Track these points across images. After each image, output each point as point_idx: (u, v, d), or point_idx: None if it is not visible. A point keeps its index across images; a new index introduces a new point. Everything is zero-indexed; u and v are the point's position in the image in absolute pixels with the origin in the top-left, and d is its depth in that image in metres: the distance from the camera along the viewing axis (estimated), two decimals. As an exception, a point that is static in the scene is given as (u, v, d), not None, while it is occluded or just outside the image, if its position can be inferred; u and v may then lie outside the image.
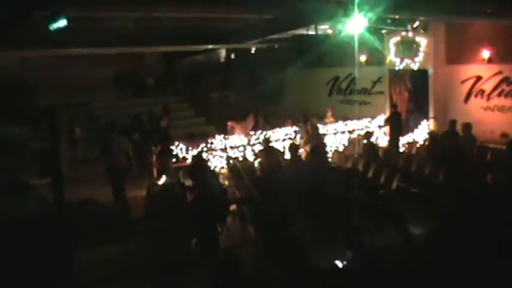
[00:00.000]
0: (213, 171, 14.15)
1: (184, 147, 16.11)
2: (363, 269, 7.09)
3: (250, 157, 16.77)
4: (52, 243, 10.93)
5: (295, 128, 18.33)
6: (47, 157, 14.29)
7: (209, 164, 15.65)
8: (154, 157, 15.90)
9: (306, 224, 10.79)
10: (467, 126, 16.01)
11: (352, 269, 7.23)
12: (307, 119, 17.43)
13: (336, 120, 19.60)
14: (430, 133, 18.45)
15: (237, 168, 14.74)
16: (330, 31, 19.96)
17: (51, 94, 20.43)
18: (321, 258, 8.01)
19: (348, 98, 23.73)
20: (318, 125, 17.81)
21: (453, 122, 16.59)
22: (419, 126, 19.88)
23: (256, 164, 16.25)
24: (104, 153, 14.62)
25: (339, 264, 7.37)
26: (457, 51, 20.07)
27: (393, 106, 19.38)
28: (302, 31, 23.67)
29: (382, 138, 19.62)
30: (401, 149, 18.59)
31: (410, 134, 19.76)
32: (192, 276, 9.75)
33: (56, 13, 12.21)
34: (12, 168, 15.62)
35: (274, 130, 17.99)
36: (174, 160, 15.90)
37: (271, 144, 16.13)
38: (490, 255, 7.73)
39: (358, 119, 19.84)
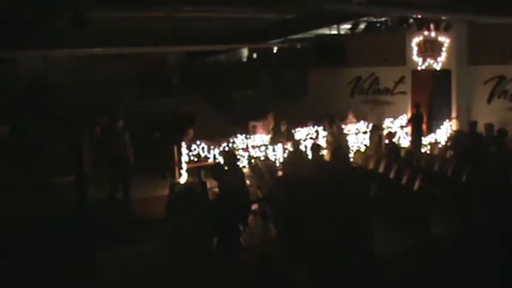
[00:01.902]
0: (241, 169, 14.13)
1: (205, 147, 16.15)
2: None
3: (272, 156, 16.79)
4: (74, 242, 11.03)
5: (316, 128, 18.31)
6: (69, 156, 14.45)
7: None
8: (176, 156, 15.96)
9: (326, 223, 10.79)
10: (490, 127, 15.93)
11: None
12: (332, 120, 17.37)
13: (358, 121, 19.53)
14: (452, 134, 18.38)
15: (259, 167, 14.76)
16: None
17: (75, 94, 20.58)
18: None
19: (370, 98, 23.65)
20: (342, 126, 17.82)
21: (474, 123, 16.54)
22: (441, 127, 19.80)
23: (277, 163, 16.28)
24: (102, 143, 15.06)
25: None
26: (479, 51, 19.94)
27: (416, 106, 19.29)
28: (324, 31, 23.72)
29: (404, 139, 19.55)
30: (424, 150, 18.51)
31: (432, 134, 19.69)
32: (213, 276, 9.77)
33: (79, 14, 12.30)
34: (36, 168, 15.79)
35: (296, 130, 18.00)
36: (195, 159, 15.96)
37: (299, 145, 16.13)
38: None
39: (380, 119, 19.82)
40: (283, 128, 17.66)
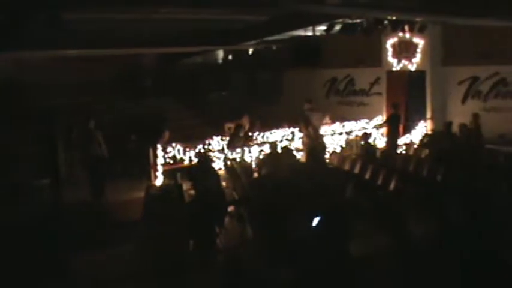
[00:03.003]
0: (216, 171, 14.09)
1: (181, 149, 16.09)
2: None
3: (248, 158, 16.76)
4: (48, 244, 10.93)
5: (292, 129, 18.32)
6: (44, 158, 14.35)
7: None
8: (152, 158, 15.89)
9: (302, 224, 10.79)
10: (464, 127, 16.06)
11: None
12: (308, 122, 17.37)
13: (333, 123, 19.55)
14: (426, 134, 18.49)
15: (234, 169, 14.73)
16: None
17: (49, 96, 20.39)
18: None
19: (346, 100, 23.72)
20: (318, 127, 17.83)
21: (449, 124, 16.67)
22: (416, 127, 19.91)
23: (253, 165, 16.26)
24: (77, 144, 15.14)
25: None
26: (453, 52, 20.10)
27: (393, 107, 19.38)
28: (299, 32, 23.75)
29: (379, 139, 19.63)
30: (399, 150, 18.59)
31: (407, 135, 19.80)
32: (190, 278, 9.73)
33: (54, 15, 12.19)
34: (10, 170, 15.64)
35: (271, 131, 18.00)
36: (171, 162, 15.90)
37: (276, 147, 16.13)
38: (489, 255, 7.73)
39: (355, 120, 19.87)
40: (251, 129, 17.74)
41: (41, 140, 15.26)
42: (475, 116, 16.75)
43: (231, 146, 16.82)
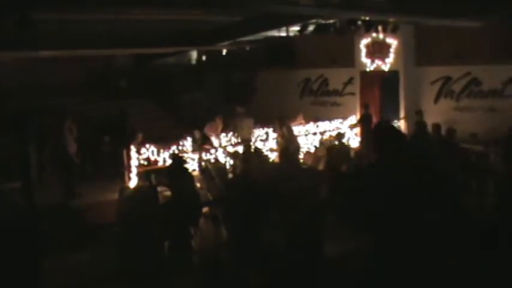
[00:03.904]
0: (190, 172, 14.04)
1: (155, 150, 16.01)
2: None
3: (222, 159, 16.72)
4: (20, 249, 10.80)
5: (266, 129, 18.31)
6: (15, 161, 14.17)
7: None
8: (125, 159, 15.80)
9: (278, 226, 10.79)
10: (437, 127, 16.16)
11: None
12: (283, 122, 17.34)
13: (307, 123, 19.56)
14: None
15: (209, 170, 14.70)
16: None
17: (21, 98, 20.22)
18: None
19: (319, 100, 23.78)
20: (293, 128, 17.82)
21: (420, 123, 16.78)
22: (390, 127, 19.99)
23: (228, 165, 16.22)
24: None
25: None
26: (426, 53, 20.26)
27: (365, 107, 19.50)
28: (273, 33, 23.79)
29: (353, 139, 19.69)
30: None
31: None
32: (165, 280, 9.70)
33: (26, 16, 12.06)
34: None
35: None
36: (145, 163, 15.81)
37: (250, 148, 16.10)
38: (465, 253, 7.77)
39: (329, 120, 19.90)
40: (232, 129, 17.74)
41: (11, 142, 15.10)
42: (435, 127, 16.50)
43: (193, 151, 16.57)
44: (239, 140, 17.23)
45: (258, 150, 14.49)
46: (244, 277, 7.71)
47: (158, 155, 16.00)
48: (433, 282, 7.16)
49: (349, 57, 21.77)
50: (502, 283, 6.89)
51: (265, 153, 16.18)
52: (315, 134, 19.14)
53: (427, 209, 7.76)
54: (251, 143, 16.61)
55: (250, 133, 17.68)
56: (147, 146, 15.97)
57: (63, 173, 15.10)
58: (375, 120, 19.63)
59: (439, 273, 7.33)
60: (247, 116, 17.99)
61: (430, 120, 17.04)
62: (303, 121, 19.54)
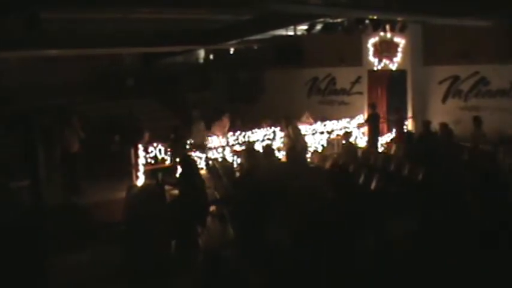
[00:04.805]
0: (199, 171, 14.03)
1: (162, 149, 16.04)
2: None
3: (229, 158, 16.74)
4: (28, 247, 10.82)
5: (273, 129, 18.29)
6: (23, 159, 14.20)
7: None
8: (133, 158, 15.83)
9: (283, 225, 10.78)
10: (444, 126, 16.13)
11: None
12: (289, 122, 17.32)
13: (314, 122, 19.54)
14: (407, 133, 18.58)
15: (216, 168, 14.71)
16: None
17: (29, 97, 20.26)
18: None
19: (327, 99, 23.75)
20: (299, 127, 17.80)
21: (427, 123, 16.74)
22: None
23: (235, 164, 16.23)
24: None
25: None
26: (434, 52, 20.22)
27: (371, 106, 19.47)
28: (281, 32, 23.76)
29: (360, 139, 19.68)
30: (380, 149, 18.64)
31: (388, 134, 19.86)
32: (172, 278, 9.70)
33: (36, 15, 12.07)
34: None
35: (253, 131, 17.97)
36: (153, 162, 15.85)
37: (253, 146, 16.10)
38: (469, 253, 7.76)
39: (337, 119, 19.88)
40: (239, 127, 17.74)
41: (19, 140, 15.13)
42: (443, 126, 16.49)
43: (174, 154, 16.13)
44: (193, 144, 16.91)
45: (267, 149, 14.43)
46: (244, 277, 7.70)
47: (166, 153, 16.03)
48: (433, 282, 7.17)
49: (357, 56, 21.76)
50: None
51: (275, 152, 16.08)
52: (322, 133, 19.14)
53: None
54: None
55: (203, 137, 17.31)
56: (155, 144, 16.01)
57: (67, 172, 15.19)
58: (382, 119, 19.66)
59: (439, 273, 7.33)
60: (200, 120, 17.79)
61: (437, 120, 17.02)
62: (311, 120, 19.53)
